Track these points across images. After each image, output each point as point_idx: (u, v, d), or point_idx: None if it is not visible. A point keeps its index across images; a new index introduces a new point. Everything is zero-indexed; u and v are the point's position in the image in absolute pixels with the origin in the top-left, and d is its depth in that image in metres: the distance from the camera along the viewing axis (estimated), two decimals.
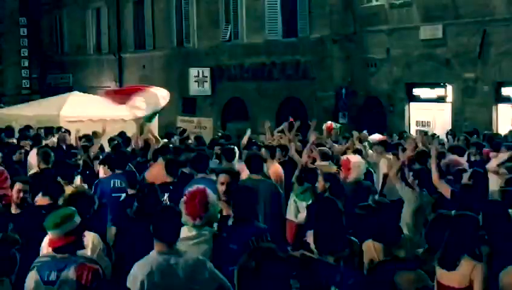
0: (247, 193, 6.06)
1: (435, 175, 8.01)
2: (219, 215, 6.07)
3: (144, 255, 5.20)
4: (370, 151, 12.01)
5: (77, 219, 4.89)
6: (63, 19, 33.49)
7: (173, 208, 5.29)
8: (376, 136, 13.63)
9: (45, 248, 5.38)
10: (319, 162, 9.70)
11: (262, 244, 4.72)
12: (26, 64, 34.21)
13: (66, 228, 4.79)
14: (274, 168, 9.33)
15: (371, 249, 5.73)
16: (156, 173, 9.44)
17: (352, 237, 5.69)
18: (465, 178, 7.92)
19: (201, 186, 5.97)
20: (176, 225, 5.02)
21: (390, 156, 10.21)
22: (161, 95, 13.33)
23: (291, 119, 13.02)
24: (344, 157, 9.14)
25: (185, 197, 5.69)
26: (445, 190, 7.84)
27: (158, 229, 4.92)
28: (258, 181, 7.76)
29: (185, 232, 5.55)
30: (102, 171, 9.82)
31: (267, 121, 13.46)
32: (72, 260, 4.76)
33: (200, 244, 5.53)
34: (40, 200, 7.30)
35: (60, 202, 6.75)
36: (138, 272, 4.83)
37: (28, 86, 34.22)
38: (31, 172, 10.64)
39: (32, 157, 11.76)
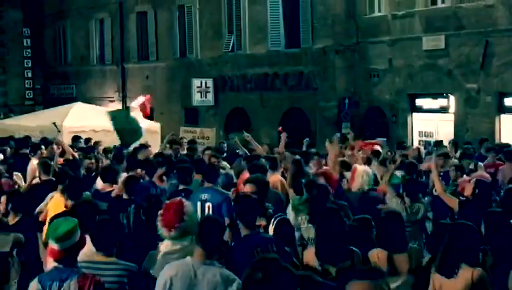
0: (251, 203, 6.07)
1: (438, 187, 7.97)
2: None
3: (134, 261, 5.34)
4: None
5: (78, 234, 4.91)
6: (66, 29, 33.55)
7: (218, 219, 5.31)
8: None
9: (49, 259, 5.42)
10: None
11: (265, 255, 4.71)
12: (30, 75, 34.24)
13: (67, 244, 4.82)
14: (273, 179, 9.31)
15: (375, 259, 5.73)
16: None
17: (354, 248, 5.69)
18: (469, 188, 7.89)
19: (177, 198, 6.00)
20: (218, 233, 5.05)
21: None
22: None
23: (279, 129, 13.04)
24: (354, 166, 9.13)
25: (161, 211, 5.68)
26: (452, 201, 7.80)
27: (201, 238, 4.95)
28: None
29: (168, 246, 5.56)
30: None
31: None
32: (74, 271, 4.78)
33: (175, 254, 5.50)
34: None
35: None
36: (165, 271, 4.91)
37: (31, 96, 34.25)
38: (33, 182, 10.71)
39: (33, 166, 11.92)
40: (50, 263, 5.31)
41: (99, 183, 10.22)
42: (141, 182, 9.26)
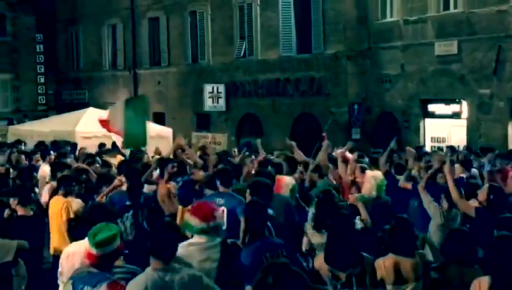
0: (259, 209, 6.08)
1: (454, 194, 7.91)
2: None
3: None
4: None
5: (118, 241, 4.91)
6: (79, 35, 33.74)
7: (172, 224, 5.29)
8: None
9: (82, 256, 5.44)
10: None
11: (275, 260, 4.71)
12: (43, 80, 34.44)
13: (106, 250, 4.84)
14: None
15: (381, 267, 5.71)
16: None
17: (364, 254, 5.68)
18: (483, 194, 7.83)
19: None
20: (174, 242, 4.99)
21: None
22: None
23: (323, 135, 12.54)
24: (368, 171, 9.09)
25: (191, 207, 5.78)
26: (469, 207, 7.71)
27: (155, 246, 4.88)
28: None
29: (195, 239, 5.62)
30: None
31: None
32: (105, 277, 4.78)
33: (211, 249, 5.55)
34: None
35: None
36: (131, 288, 4.79)
37: (44, 102, 34.46)
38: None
39: (43, 172, 12.05)
40: (73, 259, 5.37)
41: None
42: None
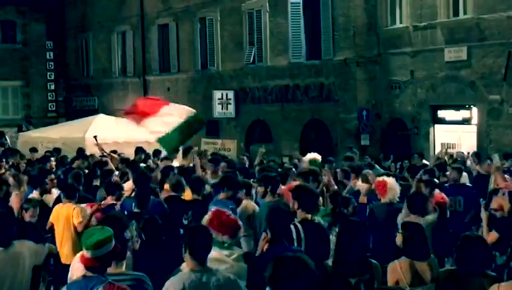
0: (282, 215, 6.10)
1: (485, 231, 7.64)
2: None
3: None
4: None
5: (112, 244, 4.94)
6: (88, 42, 33.90)
7: (205, 227, 5.35)
8: (311, 155, 13.30)
9: (76, 263, 5.46)
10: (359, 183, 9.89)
11: (287, 254, 4.69)
12: (53, 87, 34.64)
13: (99, 252, 4.85)
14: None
15: (397, 269, 5.71)
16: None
17: (372, 260, 5.67)
18: (497, 201, 7.77)
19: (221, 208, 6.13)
20: (208, 243, 5.11)
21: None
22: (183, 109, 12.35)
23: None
24: (380, 178, 9.05)
25: (210, 216, 5.77)
26: (493, 238, 7.55)
27: (192, 247, 4.99)
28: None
29: (216, 253, 5.58)
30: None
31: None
32: (100, 280, 4.81)
33: (238, 262, 5.60)
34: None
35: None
36: (170, 288, 4.91)
37: (54, 108, 34.65)
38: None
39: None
40: (77, 270, 5.37)
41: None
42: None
